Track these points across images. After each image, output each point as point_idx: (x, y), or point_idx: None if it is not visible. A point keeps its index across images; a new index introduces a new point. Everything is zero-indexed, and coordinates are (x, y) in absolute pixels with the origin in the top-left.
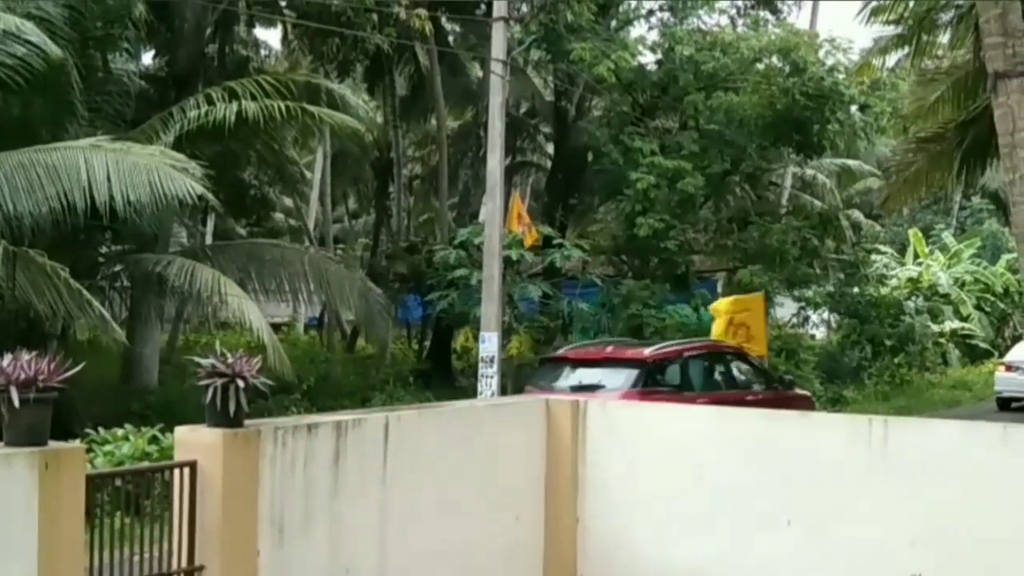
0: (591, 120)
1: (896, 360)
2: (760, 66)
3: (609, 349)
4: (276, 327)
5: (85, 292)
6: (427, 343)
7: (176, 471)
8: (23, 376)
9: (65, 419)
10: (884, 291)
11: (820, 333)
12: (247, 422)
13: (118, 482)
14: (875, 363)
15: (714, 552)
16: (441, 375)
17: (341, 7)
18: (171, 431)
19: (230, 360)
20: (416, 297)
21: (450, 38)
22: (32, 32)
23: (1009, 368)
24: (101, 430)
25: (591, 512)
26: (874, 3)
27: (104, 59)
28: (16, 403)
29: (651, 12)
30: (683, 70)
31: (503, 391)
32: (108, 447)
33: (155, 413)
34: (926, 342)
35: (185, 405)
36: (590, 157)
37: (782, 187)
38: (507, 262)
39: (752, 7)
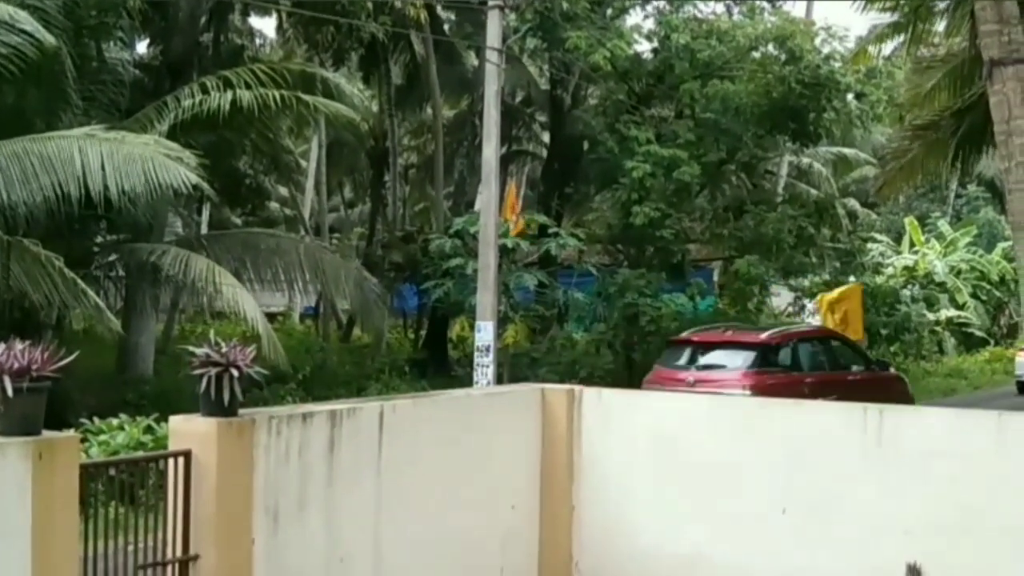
0: (587, 109)
1: (892, 349)
2: (756, 54)
3: (729, 333)
4: (272, 317)
5: (80, 282)
6: (423, 332)
7: (171, 460)
8: (17, 365)
9: (60, 409)
10: (880, 280)
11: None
12: (242, 411)
13: (112, 471)
14: (871, 352)
15: (709, 540)
16: (437, 364)
17: None
18: (166, 421)
19: (224, 349)
20: (412, 286)
21: (445, 26)
22: (26, 21)
23: None
24: (96, 420)
25: (586, 500)
26: None
27: (98, 48)
28: (10, 392)
29: (647, 0)
30: (679, 58)
31: (499, 380)
32: (103, 437)
33: (150, 403)
34: (922, 331)
35: (180, 395)
36: (586, 146)
37: (778, 176)
38: (503, 251)
39: None
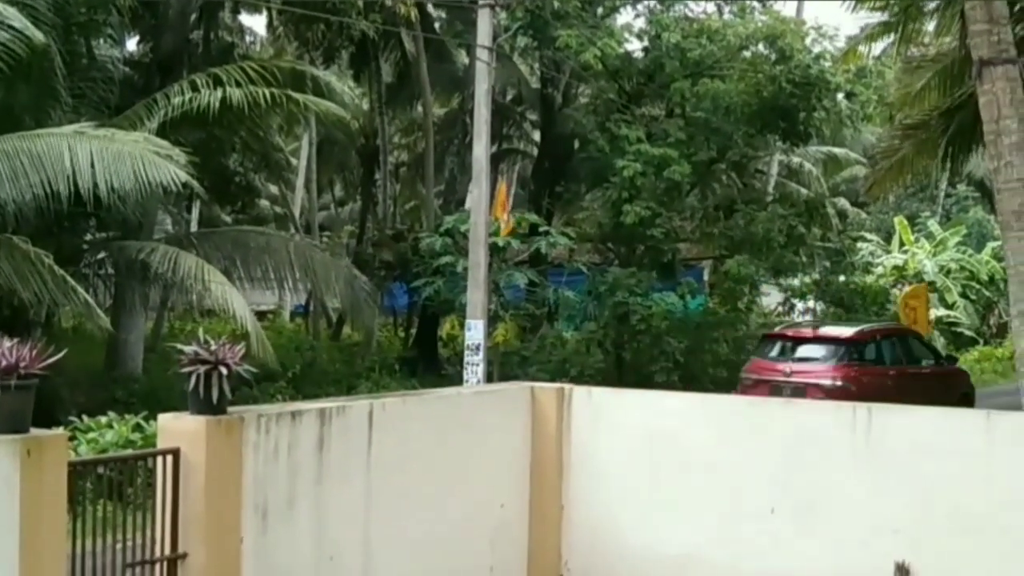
0: (577, 107)
1: None
2: (747, 53)
3: (820, 330)
4: (262, 315)
5: (69, 279)
6: (413, 331)
7: (159, 458)
8: (5, 363)
9: (48, 406)
10: (870, 279)
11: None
12: (231, 409)
13: (101, 469)
14: None
15: (699, 539)
16: (427, 363)
17: None
18: (155, 419)
19: (213, 347)
20: (402, 285)
21: (436, 24)
22: (15, 17)
23: None
24: (85, 417)
25: (576, 499)
26: None
27: (88, 45)
28: None
29: None
30: (669, 57)
31: (489, 378)
32: (91, 435)
33: (139, 401)
34: None
35: (170, 393)
36: (576, 144)
37: (768, 175)
38: (493, 249)
39: None
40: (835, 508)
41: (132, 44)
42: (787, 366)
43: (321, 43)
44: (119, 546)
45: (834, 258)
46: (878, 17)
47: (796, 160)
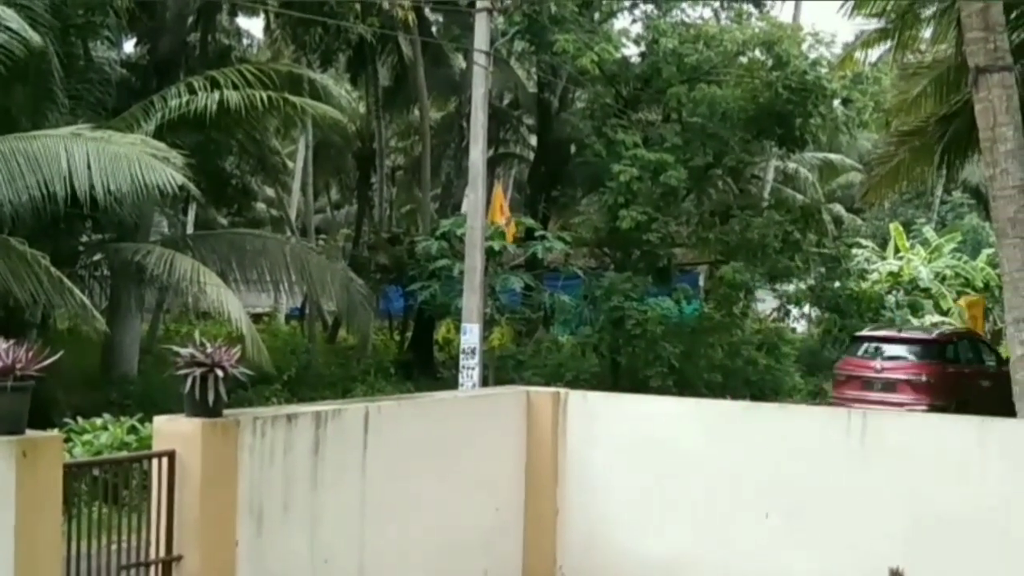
0: (574, 112)
1: None
2: (743, 59)
3: (904, 332)
4: (257, 317)
5: (66, 280)
6: (409, 334)
7: (155, 461)
8: (1, 364)
9: (44, 408)
10: (865, 285)
11: (801, 327)
12: (226, 412)
13: (96, 471)
14: None
15: (693, 543)
16: (422, 366)
17: None
18: (151, 421)
19: (209, 350)
20: (398, 288)
21: (433, 28)
22: (12, 19)
23: None
24: (80, 419)
25: (571, 503)
26: None
27: (85, 47)
28: None
29: (635, 4)
30: (666, 62)
31: (484, 382)
32: (87, 436)
33: (135, 403)
34: None
35: (165, 395)
36: (573, 149)
37: (764, 180)
38: (489, 253)
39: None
40: (829, 513)
41: (129, 46)
42: (877, 363)
43: (318, 46)
44: (114, 548)
45: (829, 264)
46: (875, 23)
47: (792, 166)
